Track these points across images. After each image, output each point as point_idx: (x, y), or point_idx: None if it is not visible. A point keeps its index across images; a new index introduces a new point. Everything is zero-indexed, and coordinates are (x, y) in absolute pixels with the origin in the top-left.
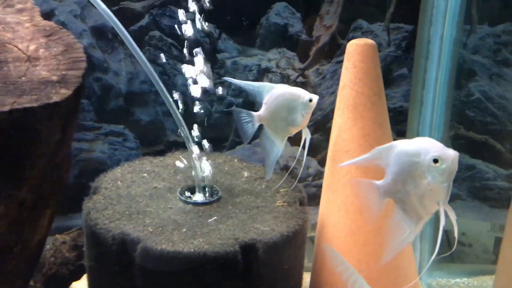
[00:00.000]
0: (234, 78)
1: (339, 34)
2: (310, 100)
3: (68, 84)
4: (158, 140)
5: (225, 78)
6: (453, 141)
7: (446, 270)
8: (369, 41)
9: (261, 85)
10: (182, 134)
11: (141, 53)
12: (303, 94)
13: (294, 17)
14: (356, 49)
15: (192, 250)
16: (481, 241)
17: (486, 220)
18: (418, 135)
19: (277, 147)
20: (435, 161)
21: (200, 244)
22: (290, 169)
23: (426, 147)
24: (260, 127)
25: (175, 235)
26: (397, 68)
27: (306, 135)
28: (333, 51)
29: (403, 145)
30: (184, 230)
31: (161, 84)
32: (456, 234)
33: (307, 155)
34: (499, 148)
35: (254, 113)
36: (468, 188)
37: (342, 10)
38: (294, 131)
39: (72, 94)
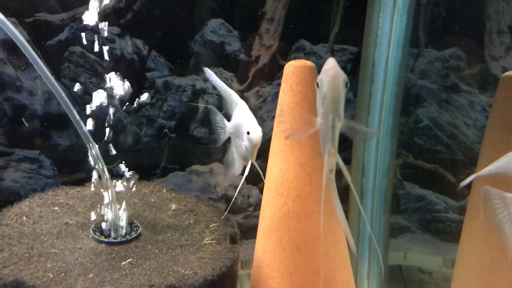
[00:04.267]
0: (166, 99)
1: (280, 55)
2: (248, 133)
3: None
4: (79, 167)
5: (205, 68)
6: (401, 170)
7: None
8: (308, 62)
9: (229, 95)
10: (93, 162)
11: (44, 68)
12: (246, 124)
13: (231, 35)
14: (294, 71)
15: None
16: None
17: (438, 255)
18: (363, 164)
19: (235, 166)
20: (317, 85)
21: None
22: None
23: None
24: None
25: (79, 283)
26: None
27: (247, 164)
28: (274, 72)
29: None
30: (91, 275)
31: (70, 104)
32: None
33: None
34: (450, 178)
35: (227, 124)
36: (418, 220)
37: (283, 29)
38: (245, 162)
39: None
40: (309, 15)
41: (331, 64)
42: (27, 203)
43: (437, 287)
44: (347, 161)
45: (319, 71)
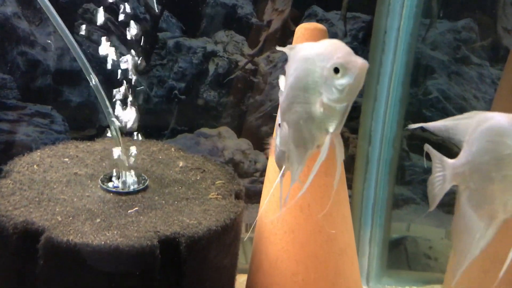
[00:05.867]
0: (177, 60)
1: (292, 20)
2: (337, 71)
3: None
4: (90, 124)
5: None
6: (408, 141)
7: (396, 277)
8: (319, 25)
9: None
10: (107, 116)
11: (61, 23)
12: (326, 53)
13: None
14: (305, 33)
15: (102, 242)
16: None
17: (441, 227)
18: (371, 133)
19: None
20: (336, 70)
21: (113, 237)
22: None
23: (328, 51)
24: None
25: (86, 226)
26: None
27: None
28: (286, 38)
29: (306, 49)
30: (98, 220)
31: (85, 61)
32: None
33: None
34: (457, 151)
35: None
36: (423, 192)
37: None
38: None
39: None
40: None
41: (347, 48)
42: (38, 153)
43: (437, 260)
44: (355, 130)
45: (331, 36)
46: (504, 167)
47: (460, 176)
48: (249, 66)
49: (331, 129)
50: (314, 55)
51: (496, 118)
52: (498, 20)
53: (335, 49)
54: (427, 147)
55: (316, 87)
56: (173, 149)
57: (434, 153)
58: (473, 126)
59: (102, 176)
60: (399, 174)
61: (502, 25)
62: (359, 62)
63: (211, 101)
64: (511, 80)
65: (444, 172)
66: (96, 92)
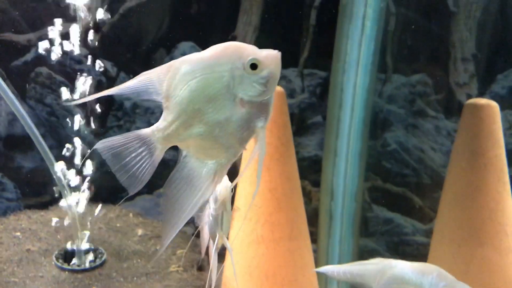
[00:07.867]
0: (134, 121)
1: None
2: (254, 67)
3: None
4: (44, 190)
5: None
6: (370, 193)
7: None
8: (276, 88)
9: None
10: (58, 184)
11: (6, 89)
12: (231, 55)
13: None
14: None
15: None
16: None
17: None
18: (332, 186)
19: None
20: (253, 66)
21: None
22: None
23: (230, 54)
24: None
25: None
26: (311, 115)
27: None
28: None
29: (194, 61)
30: None
31: (34, 128)
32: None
33: None
34: (417, 202)
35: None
36: (386, 243)
37: None
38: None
39: None
40: (279, 39)
41: (243, 44)
42: None
43: None
44: (317, 183)
45: (289, 95)
46: None
47: None
48: None
49: (261, 124)
50: (213, 63)
51: (399, 267)
52: (450, 75)
53: (238, 49)
54: None
55: (226, 92)
56: (131, 215)
57: None
58: (380, 273)
59: (56, 252)
60: (363, 226)
61: (454, 80)
62: (272, 53)
63: (170, 160)
64: (465, 134)
65: None
66: (46, 159)
